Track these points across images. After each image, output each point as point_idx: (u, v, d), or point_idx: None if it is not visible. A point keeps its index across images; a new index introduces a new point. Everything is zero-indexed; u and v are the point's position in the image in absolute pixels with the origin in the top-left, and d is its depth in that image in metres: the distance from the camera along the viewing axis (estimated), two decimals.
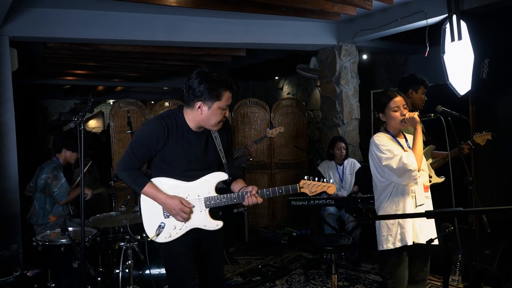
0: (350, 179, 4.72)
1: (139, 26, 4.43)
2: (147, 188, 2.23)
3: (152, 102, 10.55)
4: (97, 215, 3.57)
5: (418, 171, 2.48)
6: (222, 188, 2.38)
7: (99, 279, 3.32)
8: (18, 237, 4.02)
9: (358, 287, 3.84)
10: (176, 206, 2.20)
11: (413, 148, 2.53)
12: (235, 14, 4.49)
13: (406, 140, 2.67)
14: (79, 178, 3.95)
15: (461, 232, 3.17)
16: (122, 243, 3.28)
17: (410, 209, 2.53)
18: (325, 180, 2.22)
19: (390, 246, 2.54)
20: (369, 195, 4.14)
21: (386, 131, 2.66)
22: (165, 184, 2.26)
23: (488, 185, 4.10)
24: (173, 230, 2.26)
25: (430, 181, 3.10)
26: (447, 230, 1.40)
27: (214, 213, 2.32)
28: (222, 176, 2.31)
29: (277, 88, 9.10)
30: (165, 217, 2.28)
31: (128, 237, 3.22)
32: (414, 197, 2.55)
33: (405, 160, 2.43)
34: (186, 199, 2.25)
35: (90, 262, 3.22)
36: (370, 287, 3.82)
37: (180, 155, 2.21)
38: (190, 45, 5.15)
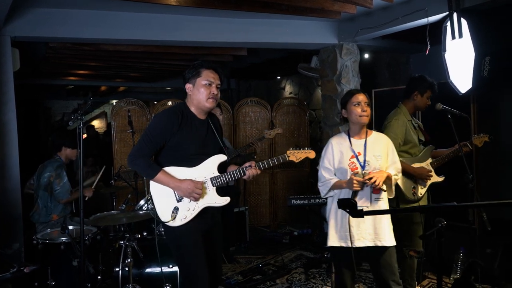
0: None
1: (140, 26, 4.44)
2: (160, 174, 2.39)
3: (155, 102, 10.58)
4: (98, 213, 3.58)
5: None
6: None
7: (99, 277, 3.34)
8: (20, 236, 4.04)
9: (359, 286, 3.83)
10: (189, 186, 2.37)
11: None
12: (236, 14, 4.49)
13: (365, 143, 2.67)
14: (86, 181, 4.00)
15: (462, 230, 3.15)
16: (122, 242, 3.29)
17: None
18: (306, 148, 2.58)
19: (335, 243, 2.65)
20: None
21: (346, 131, 2.77)
22: (174, 171, 2.43)
23: (490, 184, 4.08)
24: (187, 211, 2.43)
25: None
26: (440, 225, 1.39)
27: (221, 191, 2.52)
28: (222, 157, 2.52)
29: (279, 88, 9.08)
30: (178, 201, 2.44)
31: (128, 235, 3.23)
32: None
33: (321, 186, 2.75)
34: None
35: (90, 260, 3.24)
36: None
37: (191, 138, 2.43)
38: (191, 45, 5.16)
